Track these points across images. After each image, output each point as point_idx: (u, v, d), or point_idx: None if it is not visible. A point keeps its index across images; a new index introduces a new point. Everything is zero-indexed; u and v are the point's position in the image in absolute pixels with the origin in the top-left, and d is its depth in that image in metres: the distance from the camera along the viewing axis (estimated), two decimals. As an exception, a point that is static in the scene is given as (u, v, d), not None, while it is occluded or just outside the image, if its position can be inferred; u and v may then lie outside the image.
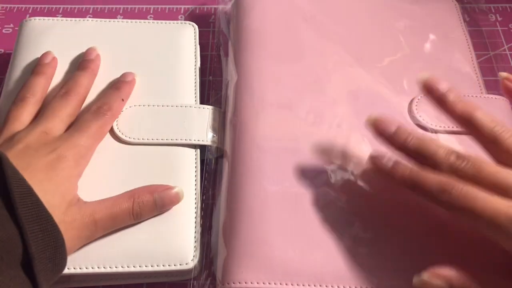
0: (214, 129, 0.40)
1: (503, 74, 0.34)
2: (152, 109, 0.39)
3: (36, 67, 0.40)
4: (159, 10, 0.52)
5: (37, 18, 0.44)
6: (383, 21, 0.46)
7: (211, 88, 0.45)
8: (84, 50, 0.42)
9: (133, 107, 0.39)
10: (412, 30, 0.45)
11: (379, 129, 0.32)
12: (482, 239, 0.29)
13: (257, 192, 0.34)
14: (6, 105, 0.38)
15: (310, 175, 0.35)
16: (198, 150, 0.39)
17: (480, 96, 0.41)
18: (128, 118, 0.38)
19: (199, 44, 0.45)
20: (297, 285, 0.31)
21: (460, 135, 0.38)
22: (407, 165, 0.31)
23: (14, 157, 0.31)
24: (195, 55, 0.44)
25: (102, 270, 0.32)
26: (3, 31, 0.50)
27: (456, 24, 0.46)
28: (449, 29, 0.46)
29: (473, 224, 0.29)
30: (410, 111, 0.39)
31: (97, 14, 0.51)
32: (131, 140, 0.37)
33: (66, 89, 0.38)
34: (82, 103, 0.38)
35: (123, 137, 0.37)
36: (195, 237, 0.34)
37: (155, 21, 0.45)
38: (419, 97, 0.40)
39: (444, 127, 0.38)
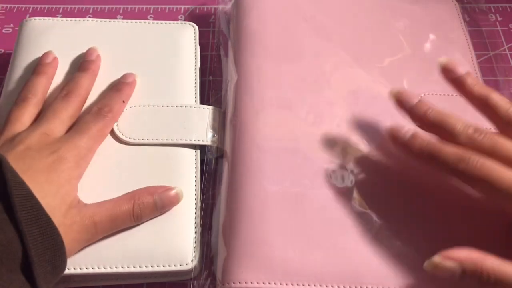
0: (214, 129, 0.40)
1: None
2: (152, 109, 0.39)
3: (37, 66, 0.40)
4: (159, 10, 0.52)
5: (37, 18, 0.44)
6: (383, 21, 0.46)
7: (211, 88, 0.45)
8: (84, 50, 0.42)
9: (133, 108, 0.39)
10: (412, 30, 0.45)
11: (401, 100, 0.34)
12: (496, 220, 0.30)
13: (257, 192, 0.34)
14: (6, 105, 0.38)
15: (310, 175, 0.35)
16: (198, 150, 0.39)
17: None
18: (128, 119, 0.38)
19: (199, 44, 0.45)
20: (297, 285, 0.31)
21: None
22: (425, 136, 0.32)
23: (14, 158, 0.31)
24: (195, 56, 0.44)
25: (102, 270, 0.32)
26: (3, 31, 0.50)
27: (456, 24, 0.46)
28: (449, 29, 0.46)
29: (490, 195, 0.30)
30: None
31: (97, 14, 0.51)
32: (131, 140, 0.37)
33: (67, 90, 0.38)
34: (83, 105, 0.38)
35: (123, 137, 0.37)
36: (195, 237, 0.34)
37: (155, 21, 0.45)
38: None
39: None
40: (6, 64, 0.42)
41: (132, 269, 0.32)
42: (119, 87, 0.39)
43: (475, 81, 0.33)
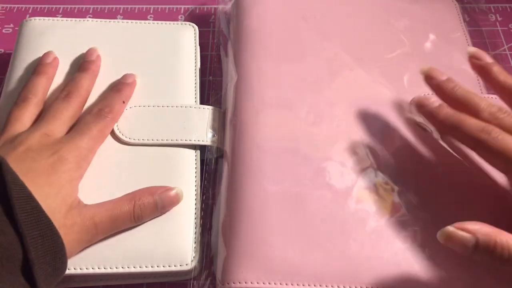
0: (214, 129, 0.40)
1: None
2: (152, 109, 0.39)
3: (38, 66, 0.40)
4: (159, 10, 0.52)
5: (37, 18, 0.44)
6: (383, 21, 0.46)
7: (211, 88, 0.45)
8: (84, 51, 0.42)
9: (133, 108, 0.39)
10: (412, 30, 0.45)
11: (432, 75, 0.36)
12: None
13: (257, 192, 0.35)
14: (6, 105, 0.38)
15: (310, 175, 0.35)
16: (198, 151, 0.39)
17: (480, 96, 0.41)
18: (128, 119, 0.38)
19: (199, 44, 0.45)
20: (297, 285, 0.31)
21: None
22: (451, 108, 0.34)
23: (15, 159, 0.31)
24: (195, 56, 0.44)
25: (102, 270, 0.32)
26: (3, 31, 0.50)
27: (456, 24, 0.46)
28: (449, 29, 0.46)
29: (506, 170, 0.31)
30: (410, 111, 0.39)
31: (97, 14, 0.51)
32: (131, 140, 0.37)
33: (68, 91, 0.38)
34: (84, 105, 0.38)
35: (123, 137, 0.37)
36: (195, 237, 0.34)
37: (155, 21, 0.45)
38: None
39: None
40: (6, 64, 0.42)
41: (132, 270, 0.32)
42: (119, 88, 0.39)
43: (501, 69, 0.35)
